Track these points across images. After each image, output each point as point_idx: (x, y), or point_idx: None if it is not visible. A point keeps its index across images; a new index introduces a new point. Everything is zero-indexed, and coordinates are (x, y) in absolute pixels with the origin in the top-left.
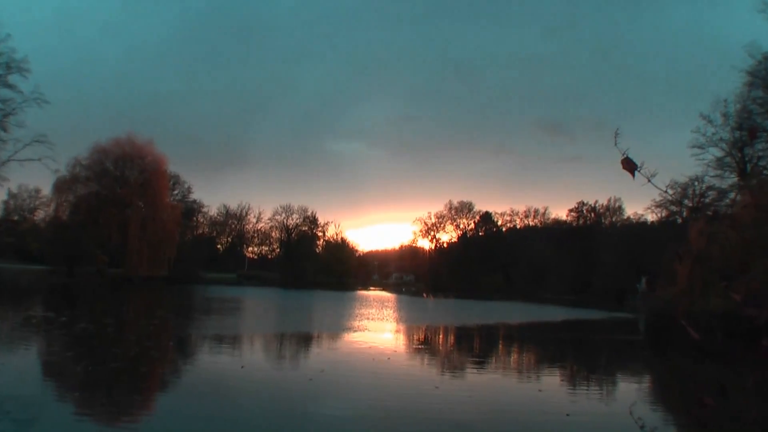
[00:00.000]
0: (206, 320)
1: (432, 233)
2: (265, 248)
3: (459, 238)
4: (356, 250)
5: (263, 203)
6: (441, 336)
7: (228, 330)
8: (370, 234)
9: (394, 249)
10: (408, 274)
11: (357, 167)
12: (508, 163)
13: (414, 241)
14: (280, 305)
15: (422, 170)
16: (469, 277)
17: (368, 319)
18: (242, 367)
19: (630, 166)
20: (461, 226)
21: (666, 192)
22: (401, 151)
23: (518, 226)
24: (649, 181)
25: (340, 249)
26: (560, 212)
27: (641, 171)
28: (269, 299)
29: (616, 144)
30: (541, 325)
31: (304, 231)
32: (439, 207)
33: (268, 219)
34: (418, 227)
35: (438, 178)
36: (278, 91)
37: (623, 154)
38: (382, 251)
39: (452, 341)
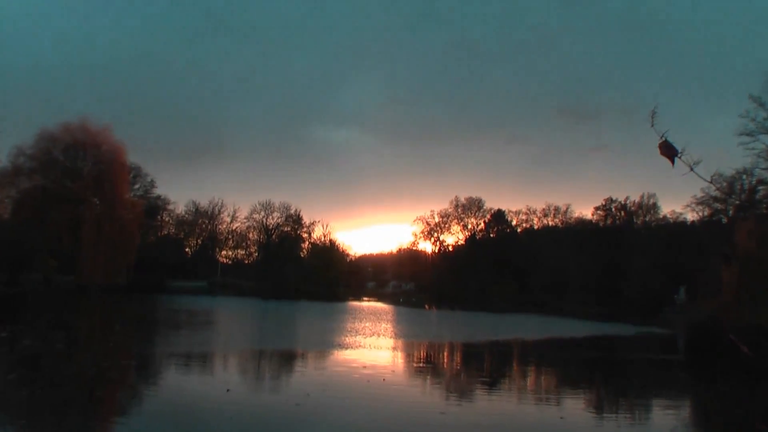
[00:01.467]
0: (173, 336)
1: (435, 235)
2: (241, 252)
3: (466, 240)
4: (347, 254)
5: (239, 200)
6: (446, 354)
7: (198, 347)
8: (363, 236)
9: (392, 253)
10: (407, 281)
11: (348, 158)
12: (524, 154)
13: (414, 243)
14: (259, 318)
15: (424, 162)
16: (477, 285)
17: (362, 334)
18: (228, 390)
19: (669, 151)
20: (469, 226)
21: (710, 184)
22: (399, 139)
23: (535, 227)
24: (692, 169)
25: (329, 253)
26: (584, 210)
27: (682, 157)
28: (246, 311)
29: (652, 125)
30: (562, 341)
31: (287, 232)
32: (443, 204)
33: (245, 218)
34: (419, 228)
35: (442, 171)
36: (256, 71)
37: (661, 138)
38: (377, 255)
39: (459, 360)
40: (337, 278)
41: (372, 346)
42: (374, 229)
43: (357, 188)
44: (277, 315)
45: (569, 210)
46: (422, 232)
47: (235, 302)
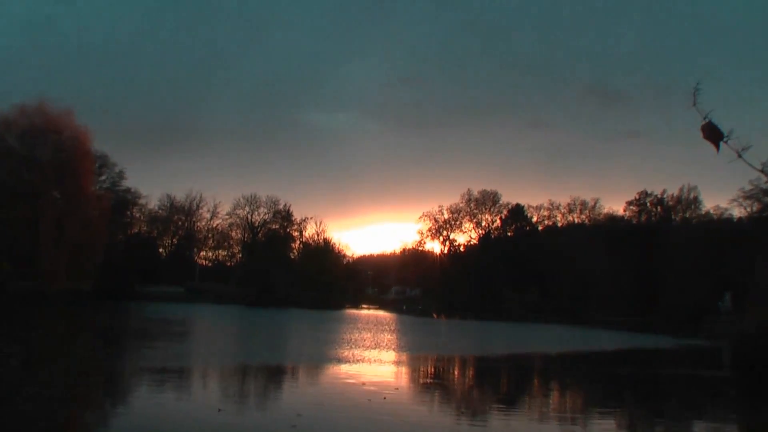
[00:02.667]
0: (147, 349)
1: (444, 233)
2: (222, 253)
3: (480, 239)
4: (344, 256)
5: (220, 193)
6: (456, 369)
7: (176, 362)
8: (362, 235)
9: (395, 254)
10: (412, 287)
11: (345, 146)
12: (546, 141)
13: (420, 243)
14: (244, 329)
15: (432, 150)
16: (493, 291)
17: (361, 346)
18: (219, 410)
19: (713, 134)
20: (483, 223)
21: (761, 174)
22: (404, 125)
23: (559, 224)
24: (740, 156)
25: (323, 254)
26: (615, 205)
27: (728, 141)
28: (228, 321)
29: (694, 104)
30: (590, 355)
31: (275, 230)
32: (453, 199)
33: (227, 214)
34: (425, 225)
35: (453, 161)
36: (239, 47)
37: (704, 119)
38: (378, 256)
39: (471, 376)
40: (332, 283)
41: (373, 360)
42: (375, 227)
43: (355, 181)
44: (264, 325)
45: (598, 205)
46: (429, 231)
47: (215, 310)
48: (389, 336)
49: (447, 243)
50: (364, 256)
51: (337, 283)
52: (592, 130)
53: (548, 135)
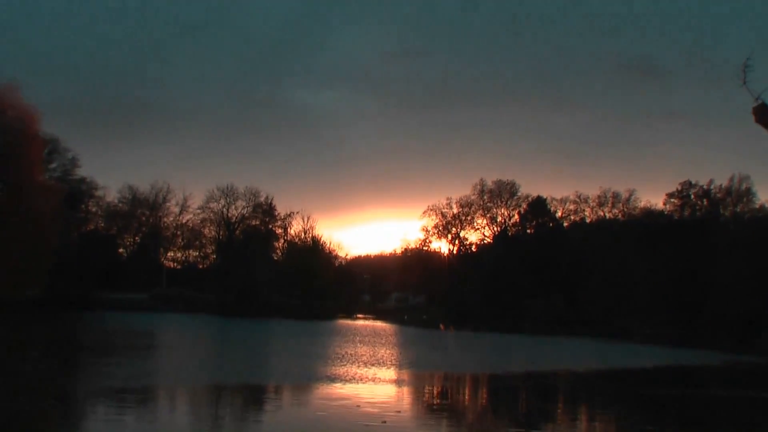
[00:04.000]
0: (104, 366)
1: (453, 230)
2: (193, 253)
3: (495, 237)
4: (336, 257)
5: (191, 184)
6: (467, 390)
7: (138, 380)
8: (357, 233)
9: (395, 254)
10: (416, 293)
11: (336, 130)
12: (572, 124)
13: (425, 242)
14: (218, 342)
15: (438, 134)
16: (510, 298)
17: (356, 363)
18: None
19: (766, 116)
20: (498, 219)
21: None
22: (406, 105)
23: (588, 220)
24: None
25: (311, 254)
26: (654, 198)
27: None
28: (201, 332)
29: (744, 82)
30: (625, 374)
31: (255, 226)
32: (464, 190)
33: (199, 208)
34: (431, 221)
35: (463, 147)
36: (210, 14)
37: (756, 99)
38: (376, 258)
39: (484, 398)
40: (322, 289)
41: (370, 378)
42: (372, 223)
43: (349, 170)
44: (242, 337)
45: (633, 198)
46: (436, 228)
47: (186, 321)
48: (389, 350)
49: (456, 242)
50: (360, 257)
51: (328, 289)
52: (626, 110)
53: (574, 117)
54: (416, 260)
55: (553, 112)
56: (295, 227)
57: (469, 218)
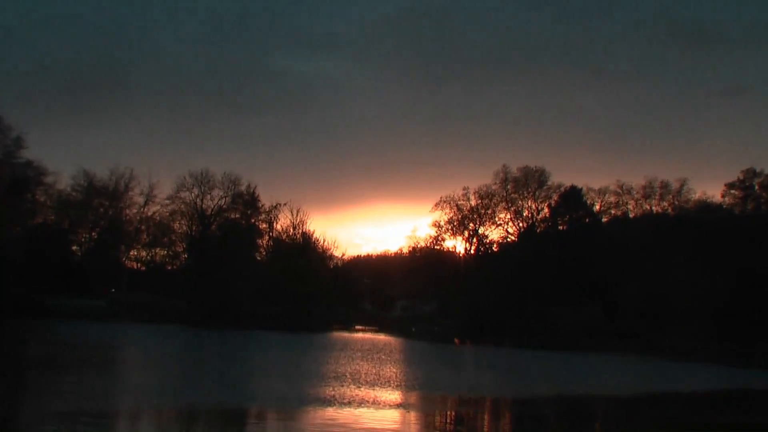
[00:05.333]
0: (54, 385)
1: (471, 226)
2: (161, 252)
3: (520, 234)
4: (331, 257)
5: (158, 170)
6: (486, 417)
7: (93, 403)
8: (356, 229)
9: (401, 254)
10: (426, 300)
11: (331, 106)
12: (612, 102)
13: (437, 240)
14: (191, 358)
15: (452, 113)
16: (538, 307)
17: (355, 383)
18: None
19: None
20: (524, 212)
21: None
22: (413, 78)
23: (631, 214)
24: None
25: (301, 253)
26: (710, 189)
27: None
28: (169, 346)
29: None
30: (675, 398)
31: (234, 220)
32: (483, 179)
33: (167, 199)
34: (444, 216)
35: (481, 128)
36: None
37: None
38: (379, 258)
39: (507, 428)
40: (314, 295)
41: (370, 401)
42: (373, 218)
43: (346, 154)
44: (218, 352)
45: (684, 188)
46: (450, 223)
47: (151, 332)
48: (393, 368)
49: (474, 240)
50: (359, 257)
51: (322, 295)
52: (678, 85)
53: (614, 93)
54: (426, 262)
55: (588, 87)
56: (282, 222)
57: (489, 212)
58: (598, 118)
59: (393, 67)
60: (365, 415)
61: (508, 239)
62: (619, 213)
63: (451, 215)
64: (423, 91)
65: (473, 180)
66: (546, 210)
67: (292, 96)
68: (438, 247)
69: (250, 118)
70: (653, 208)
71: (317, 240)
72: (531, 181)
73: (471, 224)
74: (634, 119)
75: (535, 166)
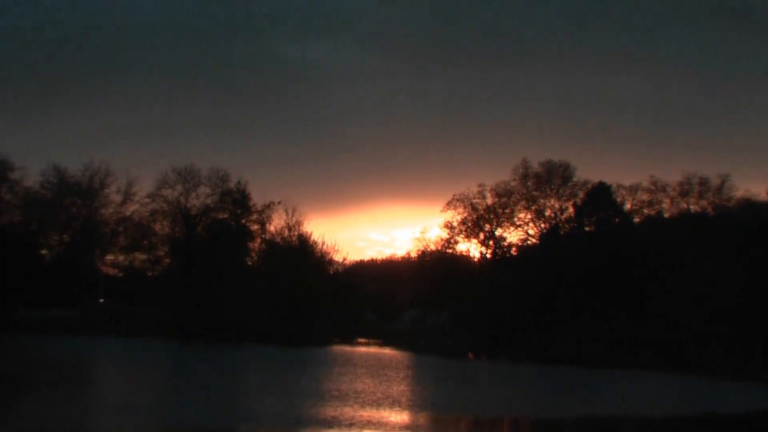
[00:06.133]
0: (21, 405)
1: (486, 227)
2: (140, 256)
3: (542, 236)
4: (332, 261)
5: (138, 164)
6: None
7: (65, 424)
8: (360, 231)
9: (408, 259)
10: (437, 310)
11: (332, 95)
12: (644, 89)
13: (448, 243)
14: (174, 374)
15: (465, 101)
16: (562, 317)
17: (356, 402)
18: None
19: None
20: (547, 212)
21: None
22: (423, 62)
23: (666, 214)
24: None
25: (297, 258)
26: (755, 186)
27: None
28: (150, 362)
29: None
30: (719, 420)
31: (222, 220)
32: (500, 175)
33: (148, 197)
34: (457, 216)
35: (497, 118)
36: None
37: None
38: (384, 262)
39: None
40: (312, 304)
41: (375, 422)
42: (378, 219)
43: (349, 148)
44: (205, 368)
45: (727, 185)
46: (463, 224)
47: (130, 346)
48: (400, 386)
49: (490, 243)
50: (362, 262)
51: (321, 305)
52: (718, 71)
53: (647, 80)
54: (437, 267)
55: (619, 74)
56: (276, 223)
57: (507, 211)
58: (630, 108)
59: (402, 49)
60: None
61: (529, 242)
62: (652, 212)
63: (465, 215)
64: (435, 75)
65: (489, 176)
66: (571, 209)
67: (288, 83)
68: (450, 251)
69: (242, 109)
70: (691, 207)
71: (315, 243)
72: (554, 177)
73: (487, 225)
74: (670, 109)
75: (559, 161)
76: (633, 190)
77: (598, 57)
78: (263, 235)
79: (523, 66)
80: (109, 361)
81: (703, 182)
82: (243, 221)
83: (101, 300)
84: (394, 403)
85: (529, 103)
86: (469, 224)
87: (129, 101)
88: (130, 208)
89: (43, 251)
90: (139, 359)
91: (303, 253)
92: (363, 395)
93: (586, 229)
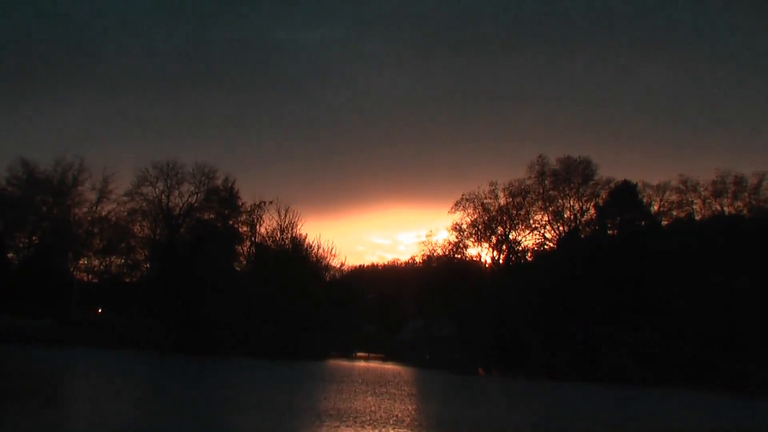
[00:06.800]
0: None
1: (499, 230)
2: (118, 260)
3: (560, 240)
4: (328, 267)
5: (115, 159)
6: None
7: None
8: (360, 234)
9: (413, 264)
10: (444, 321)
11: (330, 85)
12: (671, 78)
13: (457, 248)
14: (155, 390)
15: (475, 94)
16: (583, 330)
17: (355, 421)
18: None
19: None
20: (565, 213)
21: None
22: (430, 50)
23: (697, 216)
24: None
25: (290, 263)
26: None
27: None
28: (128, 377)
29: None
30: None
31: (208, 221)
32: (514, 173)
33: (125, 195)
34: (465, 217)
35: (509, 113)
36: None
37: None
38: (386, 268)
39: None
40: (307, 314)
41: None
42: (380, 221)
43: (348, 143)
44: (188, 383)
45: (764, 184)
46: (473, 226)
47: (106, 359)
48: (404, 405)
49: (503, 247)
50: (362, 267)
51: (316, 314)
52: (758, 59)
53: (678, 69)
54: (444, 273)
55: (645, 62)
56: (268, 224)
57: (522, 213)
58: (657, 100)
59: (406, 37)
60: None
61: (545, 246)
62: (682, 214)
63: (476, 217)
64: (443, 64)
65: (501, 175)
66: (592, 211)
67: (283, 72)
68: (458, 256)
69: (230, 100)
70: (725, 208)
71: (310, 246)
72: (574, 175)
73: (499, 228)
74: (702, 100)
75: (579, 157)
76: (661, 189)
77: (625, 45)
78: (253, 238)
79: (539, 54)
80: (82, 375)
81: (739, 181)
82: (231, 222)
83: (93, 309)
84: (398, 423)
85: (546, 94)
86: (480, 227)
87: (108, 88)
88: (106, 208)
89: (10, 255)
90: (115, 373)
91: (297, 258)
92: (363, 415)
93: (609, 232)
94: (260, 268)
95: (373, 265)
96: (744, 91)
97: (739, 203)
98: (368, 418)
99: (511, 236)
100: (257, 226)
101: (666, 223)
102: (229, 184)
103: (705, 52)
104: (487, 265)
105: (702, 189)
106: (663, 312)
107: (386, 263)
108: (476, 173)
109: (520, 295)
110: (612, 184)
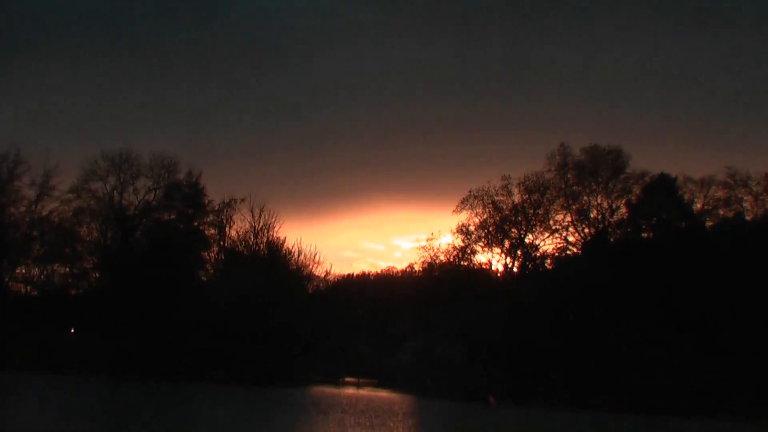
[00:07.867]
0: None
1: (513, 232)
2: (61, 269)
3: (585, 244)
4: (311, 276)
5: (58, 150)
6: None
7: None
8: (349, 238)
9: (411, 272)
10: (448, 339)
11: (315, 61)
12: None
13: (463, 254)
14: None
15: (479, 73)
16: (611, 350)
17: None
18: None
19: None
20: (592, 213)
21: None
22: (431, 21)
23: (748, 215)
24: None
25: (266, 271)
26: None
27: None
28: (71, 404)
29: None
30: None
31: (168, 222)
32: (529, 165)
33: (71, 191)
34: (473, 217)
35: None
36: None
37: None
38: (379, 277)
39: None
40: (286, 332)
41: None
42: (372, 225)
43: (335, 135)
44: (143, 414)
45: None
46: (483, 228)
47: (47, 386)
48: None
49: (518, 252)
50: (351, 277)
51: (298, 332)
52: None
53: (723, 46)
54: (448, 283)
55: (684, 39)
56: (239, 226)
57: (541, 212)
58: (698, 82)
59: (401, 9)
60: None
61: (568, 251)
62: (730, 214)
63: (485, 217)
64: (446, 38)
65: (515, 168)
66: (623, 209)
67: (253, 51)
68: (465, 263)
69: (195, 82)
70: None
71: (290, 252)
72: (602, 167)
73: (513, 230)
74: (753, 82)
75: (608, 146)
76: (704, 184)
77: (658, 20)
78: (222, 242)
79: (560, 24)
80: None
81: None
82: (195, 224)
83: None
84: None
85: (568, 71)
86: (491, 228)
87: (51, 68)
88: (48, 207)
89: None
90: (55, 401)
91: (272, 266)
92: None
93: (644, 235)
94: (230, 277)
95: (364, 273)
96: None
97: None
98: None
99: (527, 240)
100: (226, 228)
101: (711, 224)
102: (194, 179)
103: (757, 24)
104: (498, 274)
105: (754, 184)
106: (708, 328)
107: (380, 272)
108: (486, 166)
109: (538, 310)
110: (647, 179)
